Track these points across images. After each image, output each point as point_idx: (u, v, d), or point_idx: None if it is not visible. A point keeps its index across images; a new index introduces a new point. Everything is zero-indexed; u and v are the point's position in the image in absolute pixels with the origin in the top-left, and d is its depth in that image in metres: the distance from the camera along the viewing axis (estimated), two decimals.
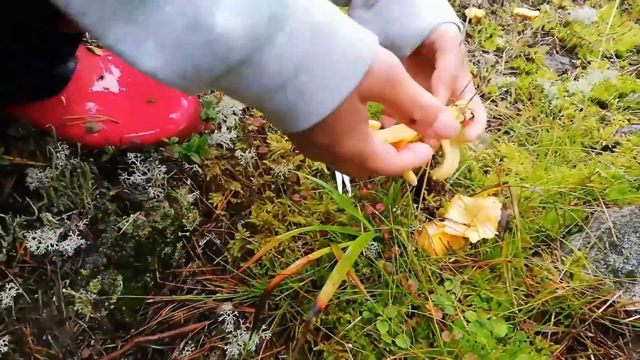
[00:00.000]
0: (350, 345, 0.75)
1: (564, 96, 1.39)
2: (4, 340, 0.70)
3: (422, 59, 0.79)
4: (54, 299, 0.75)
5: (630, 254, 0.79)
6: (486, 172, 1.09)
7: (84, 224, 0.79)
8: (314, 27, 0.44)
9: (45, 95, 0.82)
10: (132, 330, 0.78)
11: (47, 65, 0.80)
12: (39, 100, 0.82)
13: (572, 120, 1.30)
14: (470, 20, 1.64)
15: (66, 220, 0.79)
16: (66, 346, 0.73)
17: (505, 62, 1.51)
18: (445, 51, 0.75)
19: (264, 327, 0.79)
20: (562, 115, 1.33)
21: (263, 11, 0.40)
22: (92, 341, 0.75)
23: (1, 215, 0.76)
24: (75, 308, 0.75)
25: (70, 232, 0.78)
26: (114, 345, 0.75)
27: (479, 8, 1.68)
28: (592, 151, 1.17)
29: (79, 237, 0.78)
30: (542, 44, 1.58)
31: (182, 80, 0.41)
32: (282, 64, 0.42)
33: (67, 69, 0.84)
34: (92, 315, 0.76)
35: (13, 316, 0.72)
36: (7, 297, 0.72)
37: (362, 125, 0.50)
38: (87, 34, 1.00)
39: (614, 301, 0.76)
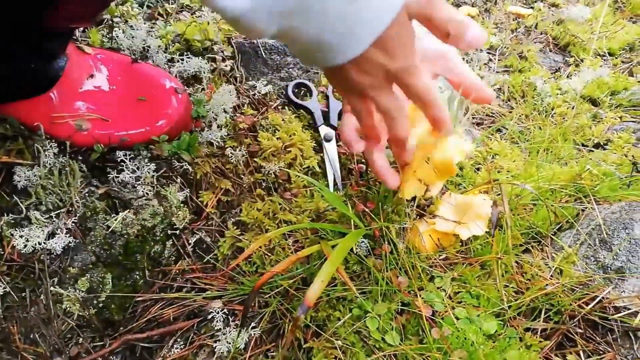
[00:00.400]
0: (339, 342, 0.75)
1: (557, 94, 1.39)
2: None
3: None
4: (42, 297, 0.75)
5: (619, 250, 0.79)
6: (477, 169, 1.09)
7: (73, 222, 0.79)
8: None
9: (34, 93, 0.82)
10: (121, 328, 0.77)
11: (36, 62, 0.79)
12: (27, 98, 0.81)
13: (564, 118, 1.31)
14: None
15: (54, 219, 0.79)
16: (54, 344, 0.73)
17: (498, 60, 1.52)
18: None
19: (253, 324, 0.78)
20: (555, 113, 1.33)
21: None
22: (80, 339, 0.74)
23: None
24: (64, 306, 0.75)
25: (59, 230, 0.78)
26: (102, 343, 0.75)
27: (472, 6, 1.68)
28: (584, 148, 1.17)
29: (67, 235, 0.78)
30: (535, 42, 1.58)
31: (267, 15, 0.49)
32: None
33: (57, 66, 0.84)
34: (80, 313, 0.75)
35: (0, 315, 0.72)
36: None
37: (412, 39, 0.58)
38: (76, 32, 0.99)
39: (603, 297, 0.76)
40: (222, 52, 1.04)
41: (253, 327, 0.78)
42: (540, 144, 1.18)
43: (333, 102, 1.10)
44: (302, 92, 1.11)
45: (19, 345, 0.71)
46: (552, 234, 0.90)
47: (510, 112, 1.35)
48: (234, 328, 0.77)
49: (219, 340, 0.76)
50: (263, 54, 1.10)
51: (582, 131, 1.21)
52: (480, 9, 1.70)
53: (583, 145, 1.19)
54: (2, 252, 0.75)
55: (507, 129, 1.27)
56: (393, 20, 0.54)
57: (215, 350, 0.74)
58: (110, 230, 0.81)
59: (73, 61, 0.86)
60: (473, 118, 1.35)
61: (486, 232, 0.84)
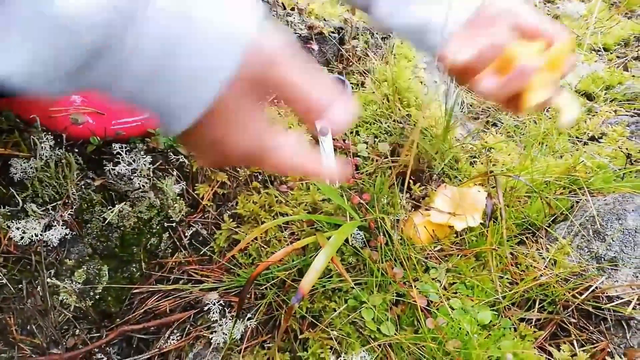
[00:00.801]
0: (335, 332, 0.76)
1: None
2: None
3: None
4: (39, 288, 0.75)
5: (612, 240, 0.80)
6: (473, 163, 1.10)
7: (69, 214, 0.79)
8: (179, 4, 0.38)
9: None
10: (117, 319, 0.78)
11: None
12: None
13: (558, 113, 1.31)
14: None
15: (51, 211, 0.79)
16: (51, 335, 0.73)
17: None
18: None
19: (249, 315, 0.79)
20: (550, 107, 1.34)
21: None
22: (77, 330, 0.75)
23: None
24: (60, 298, 0.75)
25: (55, 222, 0.78)
26: (98, 334, 0.75)
27: None
28: (579, 142, 1.18)
29: (64, 228, 0.78)
30: None
31: (43, 81, 0.36)
32: (146, 45, 0.37)
33: None
34: (77, 305, 0.76)
35: None
36: None
37: (251, 117, 0.43)
38: None
39: (596, 287, 0.76)
40: None
41: (249, 318, 0.78)
42: (535, 138, 1.18)
43: None
44: None
45: (16, 337, 0.71)
46: (546, 226, 0.91)
47: None
48: (230, 319, 0.78)
49: (215, 332, 0.76)
50: None
51: (577, 125, 1.22)
52: None
53: (578, 138, 1.19)
54: None
55: (502, 123, 1.27)
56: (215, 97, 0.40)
57: (212, 341, 0.75)
58: (106, 222, 0.81)
59: None
60: (469, 113, 1.35)
61: (480, 223, 0.85)
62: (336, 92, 0.45)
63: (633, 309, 0.72)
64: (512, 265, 0.85)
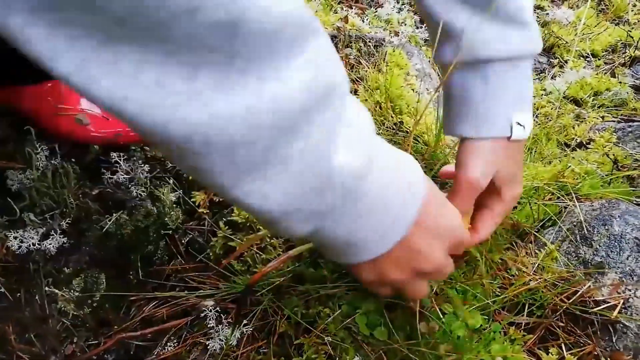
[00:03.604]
0: (329, 338, 0.77)
1: (542, 95, 1.42)
2: None
3: None
4: (37, 297, 0.76)
5: (599, 245, 0.82)
6: None
7: (67, 223, 0.80)
8: (396, 159, 0.51)
9: (44, 77, 0.82)
10: (115, 327, 0.79)
11: None
12: (36, 82, 0.82)
13: (549, 118, 1.34)
14: None
15: (49, 220, 0.80)
16: (49, 344, 0.74)
17: None
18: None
19: (245, 322, 0.80)
20: (539, 114, 1.37)
21: (365, 148, 0.46)
22: (75, 338, 0.76)
23: None
24: (58, 306, 0.77)
25: (53, 231, 0.79)
26: (96, 342, 0.76)
27: None
28: (567, 148, 1.20)
29: (62, 236, 0.79)
30: None
31: (302, 221, 0.46)
32: (380, 182, 0.48)
33: None
34: (75, 313, 0.77)
35: None
36: None
37: (436, 240, 0.57)
38: None
39: (583, 292, 0.79)
40: None
41: (245, 325, 0.80)
42: (525, 144, 1.21)
43: None
44: None
45: (15, 346, 0.72)
46: (535, 231, 0.93)
47: None
48: (226, 326, 0.79)
49: (211, 338, 0.77)
50: None
51: (566, 131, 1.24)
52: None
53: (566, 144, 1.22)
54: None
55: None
56: (418, 213, 0.52)
57: (208, 347, 0.76)
58: (104, 231, 0.82)
59: None
60: None
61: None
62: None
63: (619, 312, 0.74)
64: (501, 270, 0.87)
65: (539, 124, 1.31)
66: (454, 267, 0.63)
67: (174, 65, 0.33)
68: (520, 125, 0.71)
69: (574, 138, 1.22)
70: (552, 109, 1.37)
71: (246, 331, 0.79)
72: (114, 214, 0.83)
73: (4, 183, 0.80)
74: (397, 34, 1.52)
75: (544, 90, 1.43)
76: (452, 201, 0.69)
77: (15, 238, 0.77)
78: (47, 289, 0.76)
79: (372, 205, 0.49)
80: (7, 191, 0.80)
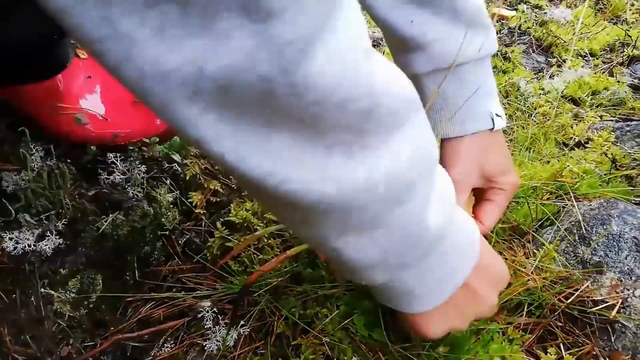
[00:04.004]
0: (327, 338, 0.77)
1: (540, 94, 1.42)
2: None
3: None
4: (32, 298, 0.75)
5: (597, 245, 0.82)
6: None
7: (63, 224, 0.80)
8: (464, 218, 0.58)
9: (44, 75, 0.82)
10: (112, 328, 0.78)
11: (47, 40, 0.79)
12: (37, 80, 0.82)
13: (547, 118, 1.33)
14: None
15: (44, 221, 0.80)
16: (45, 345, 0.73)
17: None
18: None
19: (242, 322, 0.80)
20: (538, 113, 1.36)
21: (449, 211, 0.52)
22: (71, 340, 0.75)
23: None
24: (54, 307, 0.76)
25: (48, 232, 0.78)
26: (93, 343, 0.76)
27: None
28: (566, 147, 1.20)
29: (58, 238, 0.79)
30: (518, 43, 1.61)
31: (384, 272, 0.51)
32: (449, 247, 0.54)
33: (66, 48, 0.84)
34: (71, 314, 0.76)
35: None
36: None
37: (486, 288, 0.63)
38: None
39: (581, 291, 0.78)
40: None
41: (242, 325, 0.79)
42: (523, 143, 1.21)
43: None
44: None
45: (10, 348, 0.72)
46: (533, 231, 0.93)
47: None
48: (223, 326, 0.79)
49: (208, 339, 0.77)
50: None
51: (564, 130, 1.24)
52: None
53: (564, 144, 1.21)
54: None
55: None
56: (474, 264, 0.58)
57: (205, 348, 0.76)
58: (100, 231, 0.82)
59: (74, 61, 0.87)
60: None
61: None
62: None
63: (617, 312, 0.74)
64: None
65: (537, 124, 1.30)
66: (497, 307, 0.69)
67: (316, 145, 0.37)
68: (498, 115, 0.78)
69: (572, 137, 1.21)
70: (550, 108, 1.36)
71: (243, 332, 0.78)
72: (111, 215, 0.83)
73: None
74: None
75: (542, 89, 1.42)
76: None
77: (10, 239, 0.76)
78: (42, 290, 0.76)
79: (439, 263, 0.54)
80: (3, 192, 0.79)
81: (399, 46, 0.76)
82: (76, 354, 0.74)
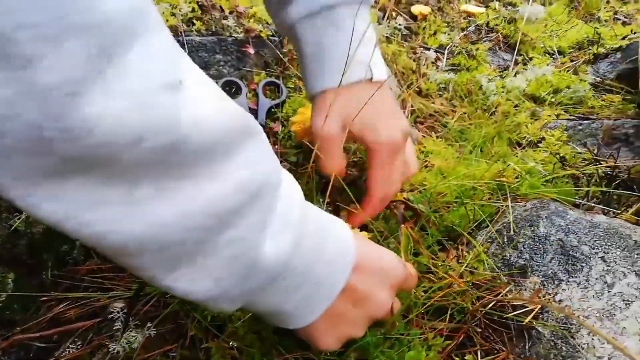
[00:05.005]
0: (237, 342, 0.74)
1: (502, 92, 1.38)
2: None
3: None
4: None
5: (523, 247, 0.79)
6: None
7: None
8: (323, 232, 0.55)
9: None
10: (17, 328, 0.76)
11: None
12: None
13: (506, 117, 1.30)
14: (416, 17, 1.64)
15: None
16: None
17: (447, 58, 1.51)
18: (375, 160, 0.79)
19: (154, 324, 0.78)
20: (497, 111, 1.33)
21: (292, 234, 0.50)
22: None
23: None
24: None
25: None
26: None
27: (426, 5, 1.68)
28: (519, 147, 1.17)
29: None
30: (485, 41, 1.58)
31: (228, 302, 0.49)
32: (305, 261, 0.52)
33: None
34: None
35: None
36: None
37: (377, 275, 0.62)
38: None
39: (502, 295, 0.75)
40: None
41: (155, 327, 0.77)
42: (475, 142, 1.18)
43: (263, 100, 1.09)
44: (233, 89, 1.11)
45: None
46: (468, 232, 0.90)
47: (453, 111, 1.34)
48: (133, 328, 0.76)
49: (116, 341, 0.75)
50: (190, 51, 1.09)
51: (519, 129, 1.21)
52: (434, 8, 1.69)
53: (518, 143, 1.18)
54: None
55: (447, 128, 1.26)
56: (347, 281, 0.57)
57: (110, 350, 0.74)
58: (12, 229, 0.80)
59: None
60: (417, 117, 1.34)
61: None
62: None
63: (534, 318, 0.71)
64: (428, 273, 0.84)
65: (495, 122, 1.27)
66: (399, 305, 0.69)
67: (118, 185, 0.36)
68: (377, 67, 0.75)
69: (525, 137, 1.18)
70: (511, 106, 1.33)
71: (152, 334, 0.76)
72: (23, 213, 0.81)
73: None
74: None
75: (504, 87, 1.39)
76: (322, 158, 0.75)
77: None
78: None
79: (298, 282, 0.53)
80: None
81: (275, 3, 0.75)
82: None
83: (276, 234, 0.48)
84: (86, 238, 0.38)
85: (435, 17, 1.65)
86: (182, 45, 1.09)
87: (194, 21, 1.13)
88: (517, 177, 0.99)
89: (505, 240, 0.82)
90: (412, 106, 1.36)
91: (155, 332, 0.76)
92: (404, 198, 0.95)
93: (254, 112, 1.06)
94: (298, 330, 0.60)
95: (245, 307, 0.54)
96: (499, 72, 1.49)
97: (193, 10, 1.16)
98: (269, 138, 1.05)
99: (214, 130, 0.39)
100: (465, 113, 1.34)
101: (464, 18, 1.64)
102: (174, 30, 1.09)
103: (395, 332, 0.76)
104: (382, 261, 0.62)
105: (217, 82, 1.08)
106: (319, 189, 0.93)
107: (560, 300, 0.72)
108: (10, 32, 0.27)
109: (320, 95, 0.76)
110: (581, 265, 0.74)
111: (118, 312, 0.78)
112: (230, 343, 0.74)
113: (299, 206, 0.52)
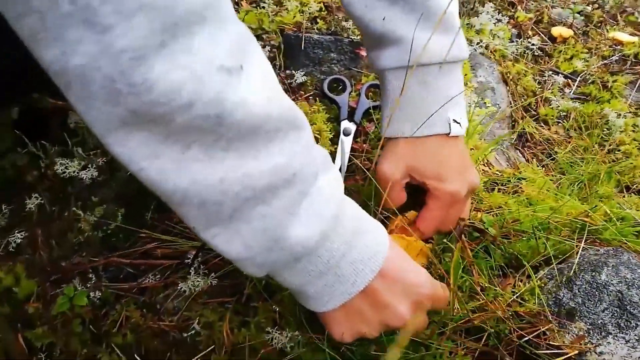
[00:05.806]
0: (280, 308, 0.83)
1: (630, 130, 1.27)
2: (22, 235, 0.90)
3: None
4: (66, 214, 0.94)
5: (578, 290, 0.75)
6: (492, 189, 1.07)
7: (103, 161, 0.97)
8: (354, 234, 0.60)
9: None
10: (117, 252, 0.94)
11: None
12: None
13: (627, 157, 1.20)
14: (555, 39, 1.56)
15: (92, 156, 0.98)
16: (64, 251, 0.91)
17: (577, 86, 1.42)
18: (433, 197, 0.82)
19: (217, 275, 0.89)
20: (619, 150, 1.23)
21: (323, 226, 0.55)
22: (84, 253, 0.92)
23: (45, 143, 0.97)
24: (79, 225, 0.94)
25: (90, 165, 0.96)
26: (97, 259, 0.92)
27: (569, 27, 1.59)
28: (627, 191, 1.08)
29: (96, 171, 0.96)
30: (627, 73, 1.45)
31: (256, 267, 0.55)
32: (332, 254, 0.58)
33: None
34: (89, 234, 0.93)
35: (33, 219, 0.93)
36: (32, 204, 0.93)
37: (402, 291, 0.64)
38: None
39: (542, 333, 0.73)
40: (270, 41, 1.16)
41: (217, 278, 0.89)
42: (579, 178, 1.11)
43: (363, 100, 1.15)
44: (339, 87, 1.18)
45: (39, 246, 0.91)
46: (534, 266, 0.87)
47: (568, 141, 1.27)
48: (201, 275, 0.89)
49: (185, 281, 0.88)
50: (307, 47, 1.19)
51: (633, 173, 1.11)
52: (577, 31, 1.59)
53: (627, 187, 1.09)
54: (48, 173, 0.96)
55: (552, 158, 1.21)
56: (376, 274, 0.61)
57: (179, 288, 0.87)
58: (129, 173, 0.97)
59: None
60: (525, 141, 1.30)
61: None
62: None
63: None
64: (478, 294, 0.84)
65: (611, 161, 1.18)
66: (425, 323, 0.70)
67: (173, 142, 0.45)
68: (457, 122, 0.77)
69: (638, 182, 1.08)
70: (635, 147, 1.22)
71: (216, 283, 0.88)
72: None
73: (66, 121, 0.99)
74: (487, 46, 1.47)
75: (635, 126, 1.27)
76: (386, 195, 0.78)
77: (61, 164, 0.96)
78: (74, 209, 0.94)
79: (322, 270, 0.58)
80: (67, 127, 0.99)
81: (372, 43, 0.79)
82: (85, 262, 0.91)
83: (305, 221, 0.53)
84: (144, 180, 0.48)
85: (577, 41, 1.55)
86: (301, 41, 1.19)
87: (318, 20, 1.23)
88: (606, 221, 0.92)
89: (564, 279, 0.79)
90: (523, 129, 1.32)
91: (217, 282, 0.88)
92: (478, 219, 0.95)
93: (353, 110, 1.13)
94: (317, 314, 0.66)
95: (275, 279, 0.60)
96: (635, 108, 1.36)
97: (320, 9, 1.26)
98: (360, 136, 1.12)
99: (258, 114, 0.46)
100: (580, 146, 1.26)
101: (610, 46, 1.52)
102: (298, 26, 1.20)
103: (427, 340, 0.78)
104: (409, 274, 0.65)
105: (326, 78, 1.17)
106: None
107: (601, 353, 0.68)
108: (97, 5, 0.37)
109: (393, 141, 0.81)
110: (636, 323, 0.69)
111: (192, 259, 0.91)
112: (275, 307, 0.83)
113: (336, 204, 0.57)
